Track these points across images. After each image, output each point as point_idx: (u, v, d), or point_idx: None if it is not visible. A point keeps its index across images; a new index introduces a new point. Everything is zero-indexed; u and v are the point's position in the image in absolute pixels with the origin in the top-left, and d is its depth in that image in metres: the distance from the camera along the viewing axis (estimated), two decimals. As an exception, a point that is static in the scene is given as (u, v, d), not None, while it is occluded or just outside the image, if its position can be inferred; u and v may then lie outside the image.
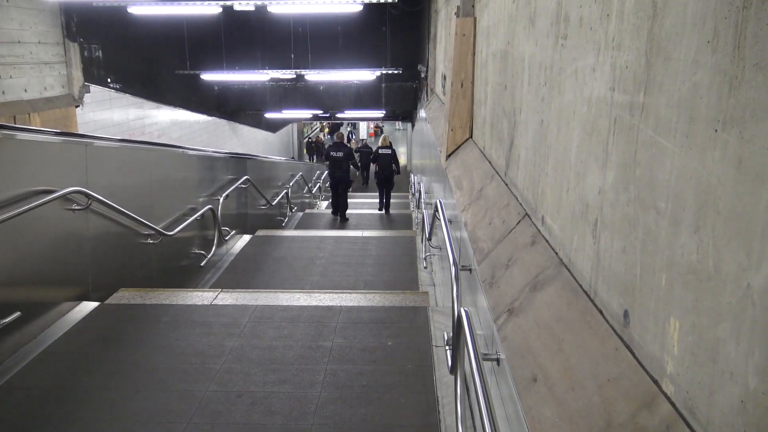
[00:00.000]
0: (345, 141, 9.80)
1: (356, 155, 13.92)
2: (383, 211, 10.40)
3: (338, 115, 17.33)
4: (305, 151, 23.66)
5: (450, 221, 2.87)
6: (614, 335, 1.05)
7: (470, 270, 2.14)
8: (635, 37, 1.02)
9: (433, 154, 5.09)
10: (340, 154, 9.13)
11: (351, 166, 9.40)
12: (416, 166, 11.81)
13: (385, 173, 10.25)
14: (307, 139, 24.66)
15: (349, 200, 10.00)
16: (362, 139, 22.28)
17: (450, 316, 2.38)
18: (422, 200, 5.84)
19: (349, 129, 32.52)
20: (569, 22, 1.38)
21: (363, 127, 30.98)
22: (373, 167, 18.99)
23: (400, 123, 33.01)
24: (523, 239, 1.65)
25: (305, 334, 3.09)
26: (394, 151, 10.33)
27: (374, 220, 9.12)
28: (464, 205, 2.43)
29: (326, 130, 34.07)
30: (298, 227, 8.62)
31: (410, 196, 11.57)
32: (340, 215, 9.47)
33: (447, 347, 2.21)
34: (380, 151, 10.22)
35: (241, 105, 13.79)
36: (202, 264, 5.10)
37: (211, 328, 3.18)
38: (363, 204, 12.08)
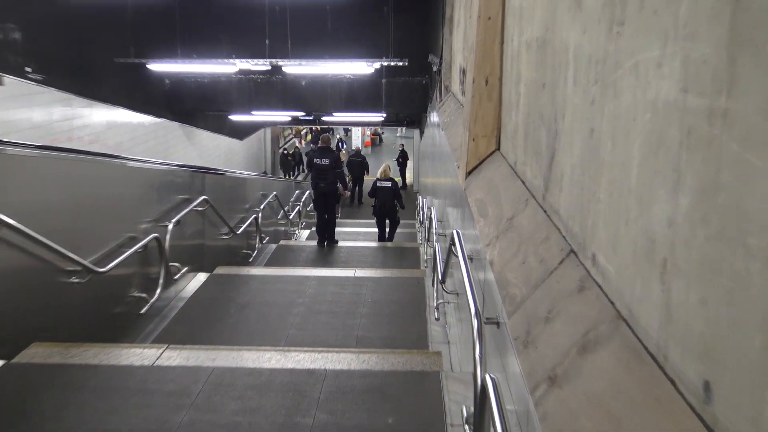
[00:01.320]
0: (333, 147, 9.96)
1: (345, 168, 14.06)
2: (384, 242, 10.47)
3: (325, 119, 17.53)
4: (280, 167, 23.90)
5: (471, 258, 2.83)
6: (692, 415, 1.02)
7: (497, 323, 2.11)
8: (714, 23, 1.03)
9: (448, 170, 5.11)
10: (325, 161, 9.29)
11: (338, 179, 9.51)
12: (426, 185, 11.85)
13: (385, 210, 10.49)
14: (282, 150, 24.93)
15: (337, 228, 10.06)
16: (354, 149, 22.53)
17: (470, 384, 2.35)
18: (433, 230, 5.86)
19: (339, 136, 32.87)
20: (627, 4, 1.39)
21: (357, 134, 31.29)
22: (357, 191, 19.13)
23: (404, 129, 33.40)
24: (568, 284, 1.63)
25: (278, 407, 3.06)
26: (396, 186, 10.51)
27: (370, 254, 9.13)
28: (490, 238, 2.41)
29: (308, 137, 34.46)
30: (270, 263, 8.61)
31: (417, 225, 11.60)
32: (327, 237, 9.51)
33: (466, 426, 2.19)
34: (378, 184, 10.46)
35: (200, 104, 13.94)
36: (142, 311, 5.07)
37: (152, 397, 3.15)
38: (356, 234, 12.10)
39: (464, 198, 3.22)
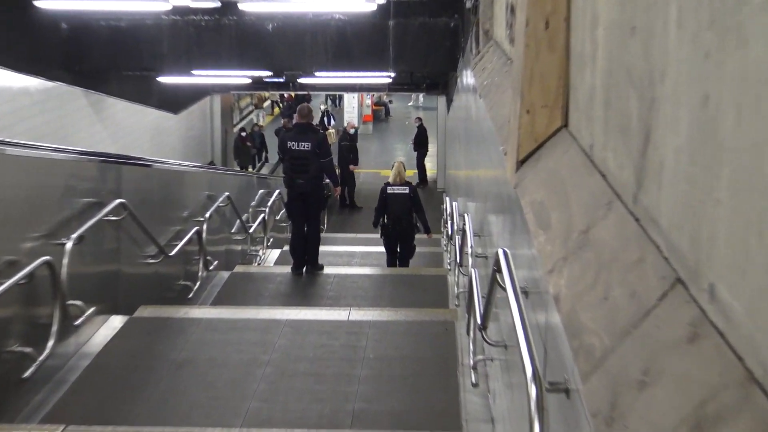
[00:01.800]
0: (316, 124, 9.96)
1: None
2: (395, 266, 10.49)
3: (303, 81, 17.57)
4: (233, 155, 23.94)
5: (525, 292, 2.85)
6: None
7: (566, 391, 2.11)
8: None
9: (490, 157, 5.10)
10: (305, 145, 9.30)
11: (326, 172, 9.51)
12: (456, 181, 11.88)
13: (400, 228, 10.59)
14: (239, 130, 24.98)
15: (322, 246, 10.08)
16: (347, 126, 22.54)
17: (525, 484, 2.35)
18: (468, 249, 5.86)
19: (325, 107, 32.93)
20: None
21: (352, 102, 31.35)
22: (348, 191, 18.82)
23: (422, 96, 33.48)
24: (674, 330, 1.62)
25: None
26: (416, 193, 10.67)
27: (372, 286, 9.14)
28: (554, 261, 2.41)
29: (276, 110, 34.58)
30: (220, 301, 8.62)
31: (444, 240, 11.60)
32: (308, 260, 9.51)
33: None
34: (389, 191, 10.63)
35: (113, 60, 14.00)
36: (27, 374, 5.08)
37: (43, 504, 3.14)
38: (350, 256, 12.11)
39: (515, 200, 3.23)
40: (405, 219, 10.50)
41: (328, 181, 9.69)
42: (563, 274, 2.29)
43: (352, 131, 21.65)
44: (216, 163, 22.42)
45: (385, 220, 10.60)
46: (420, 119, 24.14)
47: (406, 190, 10.55)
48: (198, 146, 21.64)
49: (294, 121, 9.63)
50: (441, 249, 12.15)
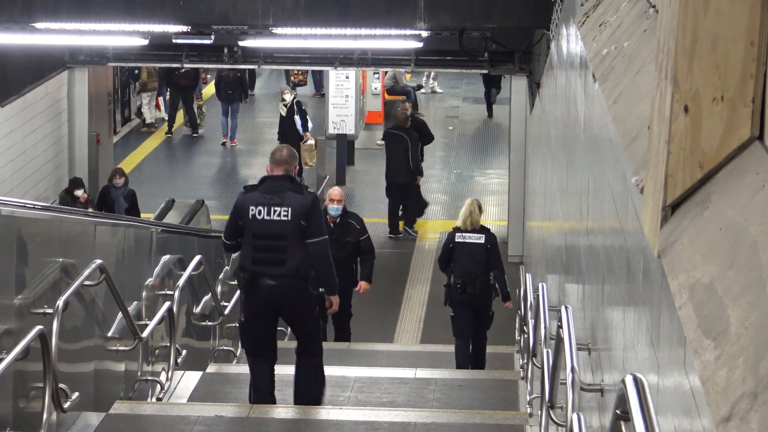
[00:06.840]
0: (293, 163, 6.86)
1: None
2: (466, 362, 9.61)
3: (249, 43, 13.16)
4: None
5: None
6: None
7: None
8: None
9: (609, 197, 4.03)
10: (283, 213, 6.30)
11: (316, 266, 6.56)
12: (543, 243, 9.56)
13: (474, 292, 9.55)
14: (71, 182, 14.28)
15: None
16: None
17: None
18: (567, 375, 4.35)
19: (290, 95, 20.28)
20: None
21: (346, 85, 19.94)
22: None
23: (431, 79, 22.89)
24: None
25: None
26: (494, 241, 9.80)
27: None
28: (733, 400, 1.89)
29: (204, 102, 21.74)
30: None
31: (519, 353, 9.60)
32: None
33: None
34: (458, 237, 9.81)
35: None
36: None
37: None
38: (340, 384, 8.54)
39: (657, 280, 2.69)
40: (479, 279, 9.59)
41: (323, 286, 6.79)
42: (752, 427, 1.77)
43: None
44: (94, 201, 15.40)
45: (452, 279, 9.77)
46: (409, 107, 18.10)
47: (481, 239, 9.84)
48: (43, 169, 14.85)
49: (270, 168, 6.77)
50: (513, 369, 9.94)
